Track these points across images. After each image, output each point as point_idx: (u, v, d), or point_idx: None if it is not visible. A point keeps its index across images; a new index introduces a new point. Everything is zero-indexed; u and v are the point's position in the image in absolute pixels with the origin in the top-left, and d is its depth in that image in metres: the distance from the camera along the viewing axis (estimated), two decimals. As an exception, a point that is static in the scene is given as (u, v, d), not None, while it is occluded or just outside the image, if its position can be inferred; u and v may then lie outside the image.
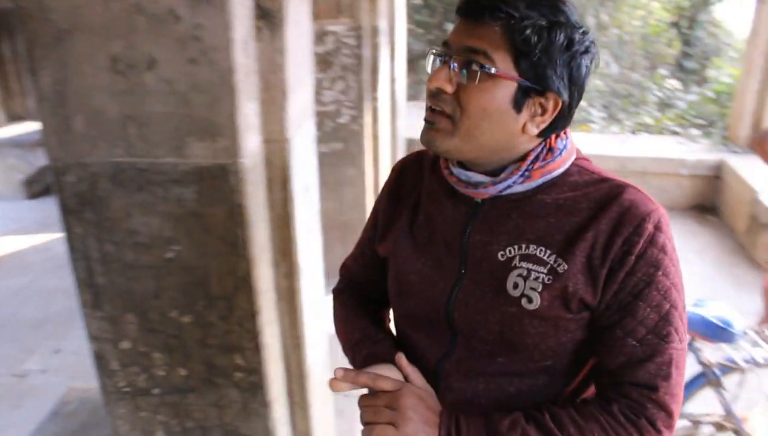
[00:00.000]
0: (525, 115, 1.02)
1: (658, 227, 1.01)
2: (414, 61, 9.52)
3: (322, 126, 3.67)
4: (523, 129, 1.03)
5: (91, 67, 1.34)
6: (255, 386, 1.62)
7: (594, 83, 8.11)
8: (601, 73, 8.27)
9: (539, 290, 1.04)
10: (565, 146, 1.09)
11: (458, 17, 1.06)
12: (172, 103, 1.34)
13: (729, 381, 2.63)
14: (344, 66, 3.51)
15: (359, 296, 1.43)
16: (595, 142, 6.55)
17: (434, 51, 1.09)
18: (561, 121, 1.06)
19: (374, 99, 3.84)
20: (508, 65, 0.99)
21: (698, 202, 5.69)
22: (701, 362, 2.60)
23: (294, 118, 1.55)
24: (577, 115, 7.64)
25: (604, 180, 1.08)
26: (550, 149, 1.07)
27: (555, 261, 1.04)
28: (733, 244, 5.16)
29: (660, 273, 1.01)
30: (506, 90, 1.00)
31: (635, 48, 8.71)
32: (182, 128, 1.36)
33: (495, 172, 1.09)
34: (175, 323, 1.58)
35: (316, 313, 1.89)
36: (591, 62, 1.05)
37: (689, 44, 8.82)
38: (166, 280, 1.53)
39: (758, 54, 5.56)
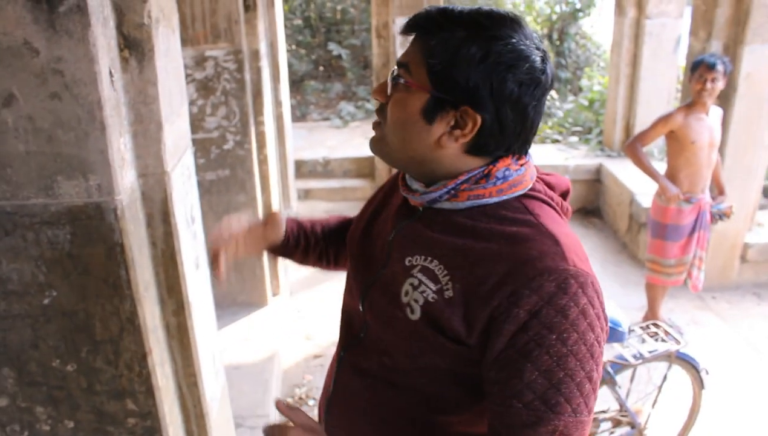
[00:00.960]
0: (439, 127, 1.02)
1: (562, 289, 0.94)
2: (298, 83, 9.52)
3: (207, 153, 3.59)
4: (439, 142, 1.03)
5: (-56, 107, 1.24)
6: (151, 431, 1.54)
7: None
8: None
9: (420, 303, 1.06)
10: (506, 176, 1.05)
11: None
12: (35, 141, 1.26)
13: (621, 378, 2.76)
14: (226, 91, 3.45)
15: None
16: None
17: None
18: (491, 141, 1.02)
19: (259, 123, 3.79)
20: (422, 77, 1.01)
21: (582, 206, 5.96)
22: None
23: (171, 149, 1.50)
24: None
25: (534, 224, 1.02)
26: (487, 175, 1.05)
27: (446, 284, 1.03)
28: (616, 244, 5.44)
29: (554, 337, 0.94)
30: (418, 101, 1.02)
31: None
32: (49, 167, 1.29)
33: (429, 184, 1.11)
34: (58, 373, 1.48)
35: (210, 347, 1.83)
36: (532, 83, 0.99)
37: (562, 55, 9.28)
38: (44, 328, 1.44)
39: (623, 63, 5.93)
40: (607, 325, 1.03)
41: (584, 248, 1.06)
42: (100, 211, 1.32)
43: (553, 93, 8.49)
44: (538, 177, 1.13)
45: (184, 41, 3.35)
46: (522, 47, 0.98)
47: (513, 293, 0.96)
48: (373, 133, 1.15)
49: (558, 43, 9.39)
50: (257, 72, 3.71)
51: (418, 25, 1.03)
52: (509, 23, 0.99)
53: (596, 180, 6.06)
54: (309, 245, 1.58)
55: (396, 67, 1.07)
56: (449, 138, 1.02)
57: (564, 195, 1.18)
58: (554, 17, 9.47)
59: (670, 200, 3.65)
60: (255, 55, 3.67)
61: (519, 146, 1.06)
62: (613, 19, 6.09)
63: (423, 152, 1.05)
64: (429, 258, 1.07)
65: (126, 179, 1.36)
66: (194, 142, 3.53)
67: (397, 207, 1.22)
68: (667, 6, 5.64)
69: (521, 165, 1.07)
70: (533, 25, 9.54)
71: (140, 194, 1.46)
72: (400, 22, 5.52)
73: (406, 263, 1.10)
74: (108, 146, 1.27)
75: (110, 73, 1.28)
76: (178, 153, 1.57)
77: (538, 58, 0.99)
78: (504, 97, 0.98)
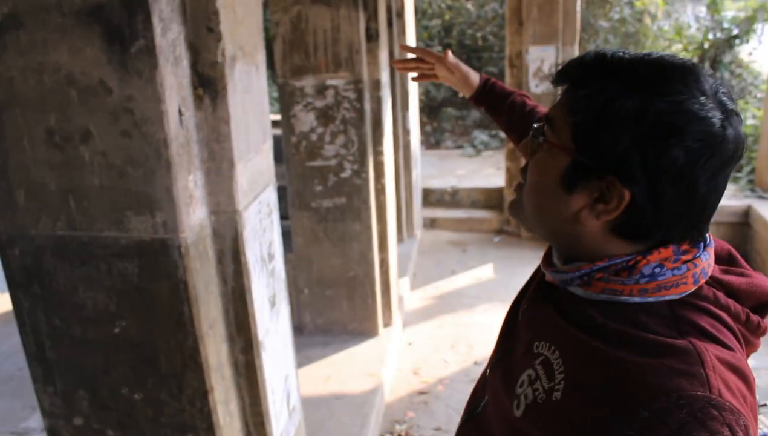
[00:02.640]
0: (579, 199, 0.84)
1: (698, 419, 0.71)
2: (436, 109, 9.54)
3: (325, 180, 3.63)
4: (578, 216, 0.85)
5: (29, 140, 1.30)
6: (212, 467, 1.53)
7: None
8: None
9: (529, 400, 0.89)
10: (654, 274, 0.83)
11: None
12: (108, 176, 1.29)
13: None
14: (345, 120, 3.48)
15: None
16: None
17: None
18: (643, 223, 0.82)
19: (378, 153, 3.79)
20: (566, 136, 0.85)
21: (726, 251, 5.48)
22: None
23: (245, 187, 1.49)
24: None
25: (676, 340, 0.79)
26: (631, 268, 0.84)
27: (558, 383, 0.85)
28: (763, 295, 4.93)
29: None
30: (558, 164, 0.86)
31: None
32: (120, 202, 1.31)
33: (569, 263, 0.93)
34: (126, 400, 1.51)
35: (284, 385, 1.80)
36: (704, 153, 0.77)
37: (714, 86, 8.63)
38: (115, 356, 1.47)
39: (781, 96, 5.41)
40: None
41: (752, 395, 0.80)
42: (165, 247, 1.33)
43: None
44: (716, 279, 0.88)
45: (306, 69, 3.42)
46: (694, 106, 0.77)
47: (625, 410, 0.75)
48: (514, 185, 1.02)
49: (711, 72, 8.73)
50: (377, 102, 3.72)
51: (569, 73, 0.87)
52: (679, 75, 0.79)
53: (744, 223, 5.55)
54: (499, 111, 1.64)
55: (540, 121, 0.92)
56: (590, 213, 0.84)
57: (759, 308, 0.90)
58: (707, 45, 8.85)
59: None
60: (376, 84, 3.68)
61: (684, 233, 0.84)
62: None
63: (559, 225, 0.89)
64: (553, 348, 0.89)
65: (194, 217, 1.36)
66: (312, 169, 3.61)
67: (541, 277, 1.04)
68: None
69: (684, 261, 0.84)
70: (683, 53, 8.97)
71: (211, 232, 1.46)
72: (534, 51, 5.39)
73: (534, 349, 0.93)
74: (173, 184, 1.27)
75: (179, 111, 1.28)
76: (255, 191, 1.56)
77: (717, 121, 0.77)
78: (662, 170, 0.78)
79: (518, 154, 5.87)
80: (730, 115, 0.79)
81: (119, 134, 1.26)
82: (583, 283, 0.88)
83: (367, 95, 3.51)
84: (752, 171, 6.11)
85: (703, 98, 0.78)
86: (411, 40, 5.33)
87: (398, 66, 1.79)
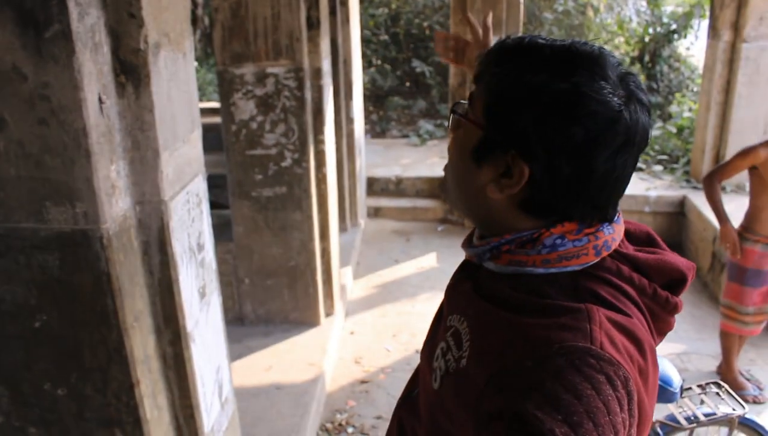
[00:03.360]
0: (486, 172, 0.87)
1: (575, 366, 0.75)
2: (383, 98, 9.53)
3: (265, 169, 3.59)
4: (485, 190, 0.88)
5: (-59, 129, 1.25)
6: (139, 462, 1.51)
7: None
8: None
9: (442, 372, 0.93)
10: (555, 245, 0.86)
11: None
12: (25, 165, 1.25)
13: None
14: (285, 108, 3.44)
15: None
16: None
17: None
18: (543, 199, 0.85)
19: (319, 141, 3.77)
20: (479, 112, 0.88)
21: (662, 239, 5.62)
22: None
23: (172, 177, 1.46)
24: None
25: (563, 312, 0.82)
26: (534, 240, 0.87)
27: (465, 351, 0.89)
28: (696, 283, 5.08)
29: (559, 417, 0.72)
30: (471, 139, 0.89)
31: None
32: (39, 192, 1.27)
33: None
34: (49, 396, 1.47)
35: (215, 377, 1.78)
36: (602, 135, 0.80)
37: (653, 79, 8.87)
38: (36, 351, 1.43)
39: (714, 90, 5.57)
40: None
41: (647, 362, 0.84)
42: (86, 238, 1.29)
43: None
44: (621, 254, 0.90)
45: (246, 57, 3.37)
46: (593, 88, 0.79)
47: (513, 363, 0.79)
48: None
49: (650, 65, 8.98)
50: (319, 90, 3.69)
51: (490, 54, 0.89)
52: (584, 60, 0.82)
53: (680, 213, 5.71)
54: None
55: (463, 101, 0.95)
56: (496, 187, 0.87)
57: (673, 286, 0.92)
58: (647, 39, 9.07)
59: (732, 250, 3.44)
60: (317, 73, 3.65)
61: (585, 211, 0.86)
62: (707, 42, 5.73)
63: (473, 199, 0.92)
64: (462, 319, 0.93)
65: (117, 207, 1.33)
66: (253, 158, 3.56)
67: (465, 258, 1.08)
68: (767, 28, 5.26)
69: (586, 234, 0.86)
70: (624, 46, 9.18)
71: (136, 222, 1.43)
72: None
73: (448, 322, 0.97)
74: (93, 174, 1.24)
75: (100, 99, 1.25)
76: (182, 181, 1.53)
77: (615, 104, 0.80)
78: (559, 147, 0.81)
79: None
80: (632, 102, 0.82)
81: (36, 122, 1.22)
82: (493, 256, 0.91)
83: (308, 84, 3.48)
84: (688, 163, 6.28)
85: (603, 83, 0.80)
86: (356, 28, 5.30)
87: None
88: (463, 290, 0.98)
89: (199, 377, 1.64)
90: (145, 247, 1.46)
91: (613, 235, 0.89)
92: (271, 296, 3.88)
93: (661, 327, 0.93)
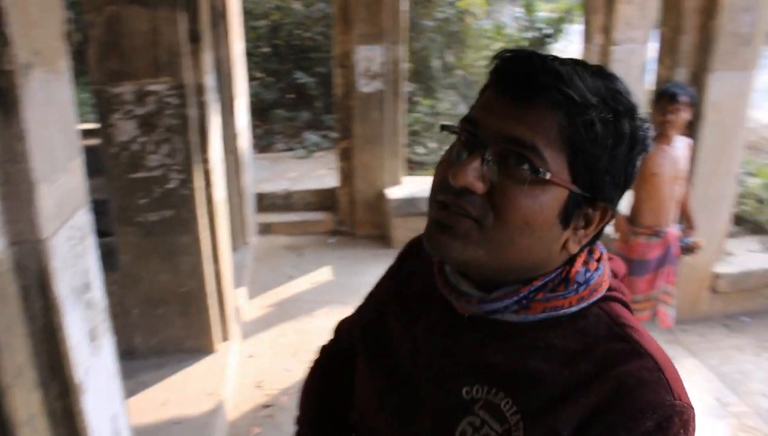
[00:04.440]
0: (569, 230, 0.80)
1: (662, 428, 0.74)
2: (267, 111, 9.34)
3: (150, 193, 3.38)
4: (564, 246, 0.81)
5: None
6: None
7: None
8: (452, 115, 8.45)
9: None
10: (587, 280, 0.83)
11: (495, 91, 0.80)
12: None
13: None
14: (169, 127, 3.26)
15: (337, 373, 1.17)
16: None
17: (456, 128, 0.83)
18: (595, 236, 0.84)
19: (206, 160, 3.60)
20: (561, 167, 0.76)
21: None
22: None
23: (53, 211, 1.31)
24: (429, 156, 7.79)
25: (624, 338, 0.80)
26: (565, 280, 0.82)
27: (515, 424, 0.80)
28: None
29: None
30: (556, 199, 0.77)
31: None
32: None
33: (488, 286, 0.84)
34: None
35: (113, 427, 1.62)
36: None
37: (531, 82, 9.21)
38: None
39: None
40: None
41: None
42: (-48, 288, 1.13)
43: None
44: (612, 271, 0.91)
45: (125, 75, 3.16)
46: (647, 121, 0.80)
47: (607, 431, 0.75)
48: None
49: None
50: (203, 107, 3.52)
51: (555, 86, 0.75)
52: (630, 93, 0.79)
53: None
54: None
55: (509, 143, 0.77)
56: (574, 239, 0.81)
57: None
58: (524, 43, 9.43)
59: (621, 237, 3.61)
60: (200, 89, 3.48)
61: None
62: (582, 45, 6.02)
63: (541, 259, 0.82)
64: (494, 390, 0.82)
65: (-13, 250, 1.17)
66: (135, 181, 3.35)
67: (420, 305, 0.95)
68: (634, 32, 5.58)
69: (597, 260, 0.86)
70: (503, 53, 9.47)
71: (12, 265, 1.26)
72: (361, 51, 5.40)
73: (464, 395, 0.85)
74: (-43, 215, 1.08)
75: (-39, 129, 1.09)
76: (63, 215, 1.38)
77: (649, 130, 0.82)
78: (630, 183, 0.81)
79: (350, 154, 5.88)
80: None
81: None
82: (521, 307, 0.82)
83: (192, 100, 3.31)
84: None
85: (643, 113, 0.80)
86: (237, 41, 5.15)
87: None
88: (467, 350, 0.86)
89: (94, 429, 1.48)
90: (24, 292, 1.30)
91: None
92: (163, 325, 3.66)
93: None
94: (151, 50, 3.14)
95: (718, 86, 3.89)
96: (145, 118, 3.24)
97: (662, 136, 3.41)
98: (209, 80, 3.60)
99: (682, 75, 3.98)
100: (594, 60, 5.67)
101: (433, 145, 7.94)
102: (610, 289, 0.86)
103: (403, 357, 0.94)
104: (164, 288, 3.59)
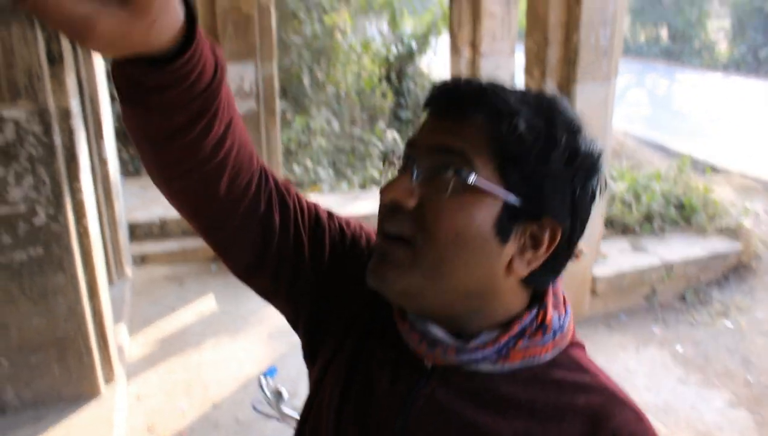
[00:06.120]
0: (512, 247, 0.74)
1: (642, 420, 0.77)
2: (130, 135, 8.89)
3: (14, 230, 3.06)
4: (509, 267, 0.75)
5: None
6: None
7: (318, 143, 8.20)
8: (324, 131, 8.40)
9: None
10: (561, 326, 0.80)
11: (428, 115, 0.79)
12: None
13: None
14: (32, 157, 2.96)
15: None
16: (328, 202, 6.54)
17: (393, 158, 0.81)
18: (554, 265, 0.78)
19: (76, 190, 3.30)
20: (491, 174, 0.72)
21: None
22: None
23: None
24: (306, 176, 7.67)
25: (598, 388, 0.78)
26: (542, 326, 0.78)
27: None
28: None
29: None
30: (489, 209, 0.72)
31: (353, 103, 9.02)
32: None
33: (461, 331, 0.78)
34: None
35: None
36: (597, 185, 0.77)
37: (401, 95, 9.38)
38: None
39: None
40: None
41: None
42: None
43: (393, 133, 8.51)
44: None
45: (-25, 101, 2.85)
46: (597, 146, 0.76)
47: None
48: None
49: (397, 83, 9.50)
50: (69, 133, 3.24)
51: (479, 100, 0.74)
52: (574, 114, 0.78)
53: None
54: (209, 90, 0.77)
55: (437, 153, 0.74)
56: (520, 260, 0.75)
57: None
58: (391, 58, 9.59)
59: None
60: (65, 114, 3.19)
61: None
62: (450, 58, 6.17)
63: (485, 283, 0.76)
64: None
65: None
66: (-4, 217, 3.02)
67: (379, 355, 0.86)
68: (500, 44, 5.80)
69: (564, 304, 0.83)
70: (370, 66, 9.58)
71: None
72: (233, 68, 5.24)
73: None
74: None
75: None
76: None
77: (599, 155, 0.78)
78: (583, 210, 0.76)
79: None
80: None
81: None
82: (499, 357, 0.76)
83: (56, 127, 3.03)
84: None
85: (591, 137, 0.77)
86: (99, 61, 4.82)
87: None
88: (449, 410, 0.78)
89: None
90: None
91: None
92: (38, 373, 3.32)
93: None
94: (5, 72, 2.85)
95: (583, 96, 4.08)
96: (4, 148, 2.94)
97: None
98: (74, 104, 3.32)
99: (549, 85, 4.15)
100: (463, 72, 5.86)
101: (308, 163, 7.84)
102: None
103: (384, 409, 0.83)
104: (38, 334, 3.27)
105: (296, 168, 7.76)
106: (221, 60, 0.72)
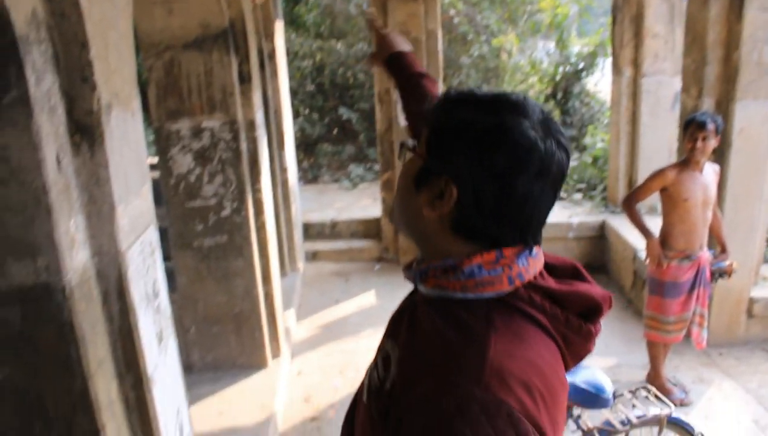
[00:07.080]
0: (424, 195, 0.99)
1: (460, 411, 0.83)
2: (312, 145, 9.69)
3: (205, 220, 3.66)
4: (421, 211, 0.99)
5: None
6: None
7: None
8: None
9: (370, 388, 1.05)
10: (473, 273, 0.96)
11: None
12: (-15, 225, 1.32)
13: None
14: (222, 160, 3.54)
15: None
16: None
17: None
18: (471, 222, 0.96)
19: (257, 190, 3.87)
20: (423, 146, 1.01)
21: (587, 263, 5.90)
22: (581, 428, 2.65)
23: (127, 228, 1.55)
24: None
25: (476, 336, 0.91)
26: (455, 268, 0.96)
27: (389, 375, 1.00)
28: (621, 300, 5.37)
29: None
30: (415, 167, 1.01)
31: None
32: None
33: None
34: (13, 449, 1.51)
35: (176, 418, 1.84)
36: (525, 165, 0.92)
37: (567, 114, 9.35)
38: (-1, 405, 1.47)
39: (622, 121, 5.97)
40: None
41: (548, 383, 0.91)
42: (48, 291, 1.36)
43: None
44: (534, 285, 0.98)
45: (182, 113, 3.46)
46: (514, 123, 0.93)
47: (417, 399, 0.89)
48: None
49: (563, 102, 9.48)
50: (253, 141, 3.81)
51: (437, 101, 1.05)
52: (509, 103, 0.96)
53: (600, 236, 6.02)
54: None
55: (411, 139, 1.09)
56: (430, 207, 0.98)
57: (589, 314, 1.01)
58: (558, 77, 9.59)
59: (652, 260, 3.69)
60: (251, 125, 3.77)
61: (509, 233, 0.97)
62: (611, 78, 6.15)
63: (412, 220, 1.03)
64: (393, 345, 1.04)
65: (77, 259, 1.41)
66: (192, 209, 3.63)
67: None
68: (663, 64, 5.70)
69: (502, 265, 0.96)
70: (538, 85, 9.65)
71: (95, 273, 1.50)
72: (401, 87, 5.63)
73: (384, 345, 1.08)
74: (54, 229, 1.32)
75: (57, 159, 1.33)
76: (136, 231, 1.62)
77: (533, 137, 0.92)
78: (483, 172, 0.93)
79: (392, 185, 6.10)
80: (549, 138, 0.95)
81: (-4, 183, 1.29)
82: (422, 280, 1.01)
83: (243, 135, 3.59)
84: (604, 189, 6.64)
85: (524, 120, 0.94)
86: (284, 80, 5.46)
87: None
88: (401, 317, 1.09)
89: (161, 418, 1.70)
90: (104, 296, 1.53)
91: (527, 267, 0.98)
92: (218, 342, 3.91)
93: (576, 351, 1.01)
94: (205, 90, 3.44)
95: (743, 115, 3.99)
96: (201, 151, 3.53)
97: (693, 163, 3.53)
98: (258, 117, 3.88)
99: (707, 104, 4.09)
100: (624, 92, 5.83)
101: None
102: (515, 296, 0.96)
103: None
104: (219, 308, 3.85)
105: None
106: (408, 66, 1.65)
